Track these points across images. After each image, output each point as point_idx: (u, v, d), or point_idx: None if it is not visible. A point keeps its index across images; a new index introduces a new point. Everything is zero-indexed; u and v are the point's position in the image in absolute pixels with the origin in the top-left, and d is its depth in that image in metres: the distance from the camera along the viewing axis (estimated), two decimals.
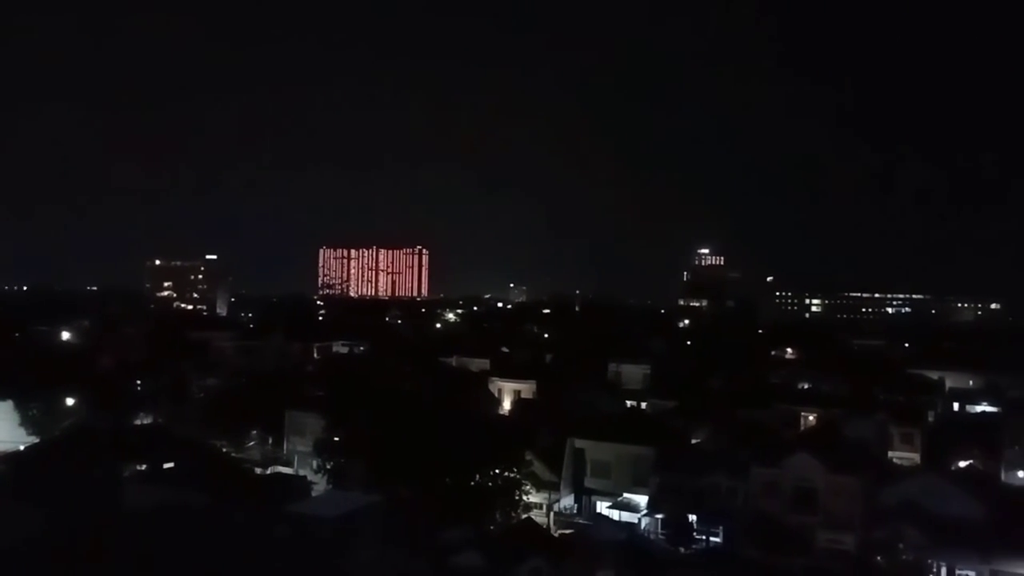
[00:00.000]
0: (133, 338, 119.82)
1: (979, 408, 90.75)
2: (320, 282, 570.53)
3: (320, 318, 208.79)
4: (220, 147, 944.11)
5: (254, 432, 69.69)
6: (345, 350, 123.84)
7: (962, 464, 68.15)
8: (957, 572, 48.10)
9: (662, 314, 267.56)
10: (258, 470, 63.28)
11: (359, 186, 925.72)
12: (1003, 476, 65.77)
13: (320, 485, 55.51)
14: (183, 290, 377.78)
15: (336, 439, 58.82)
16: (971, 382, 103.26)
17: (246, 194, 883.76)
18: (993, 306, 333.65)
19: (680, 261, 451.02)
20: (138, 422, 72.67)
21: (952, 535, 48.36)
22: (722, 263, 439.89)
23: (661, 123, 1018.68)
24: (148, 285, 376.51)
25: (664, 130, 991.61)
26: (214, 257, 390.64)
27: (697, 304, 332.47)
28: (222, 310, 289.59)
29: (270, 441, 69.97)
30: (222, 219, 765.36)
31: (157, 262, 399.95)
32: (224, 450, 64.52)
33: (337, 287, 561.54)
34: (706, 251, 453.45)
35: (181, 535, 33.53)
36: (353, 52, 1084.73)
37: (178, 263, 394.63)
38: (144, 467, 52.55)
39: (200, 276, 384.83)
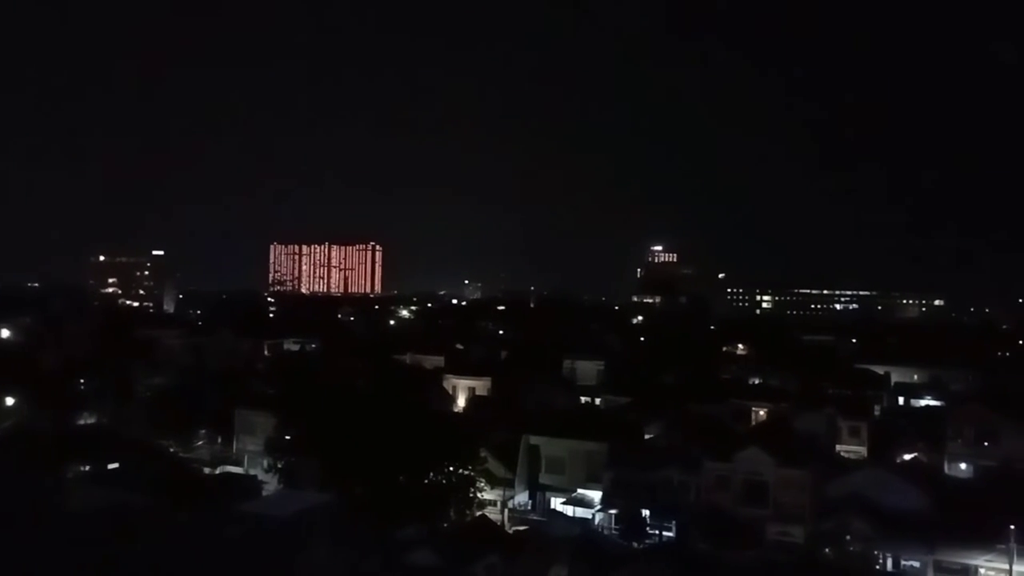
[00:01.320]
0: (76, 336, 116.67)
1: (923, 402, 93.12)
2: (271, 279, 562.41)
3: (271, 315, 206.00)
4: (166, 140, 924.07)
5: (202, 431, 68.40)
6: (297, 348, 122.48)
7: (907, 456, 69.79)
8: (902, 562, 49.17)
9: (616, 310, 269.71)
10: (207, 470, 62.30)
11: (311, 182, 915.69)
12: (946, 468, 67.43)
13: (271, 485, 54.65)
14: (129, 286, 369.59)
15: (288, 438, 58.01)
16: (916, 376, 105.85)
17: (194, 189, 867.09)
18: (936, 302, 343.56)
19: (634, 258, 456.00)
20: (81, 422, 70.84)
21: (897, 526, 49.42)
22: (675, 260, 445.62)
23: (614, 121, 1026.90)
24: (92, 282, 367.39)
25: (618, 128, 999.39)
26: (161, 253, 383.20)
27: (651, 300, 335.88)
28: (169, 307, 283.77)
29: (219, 440, 68.77)
30: (169, 214, 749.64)
31: (101, 258, 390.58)
32: (171, 450, 63.25)
33: (288, 284, 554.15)
34: (659, 248, 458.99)
35: (126, 538, 32.59)
36: (300, 43, 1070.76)
37: (123, 259, 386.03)
38: (87, 468, 51.33)
39: (146, 272, 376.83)
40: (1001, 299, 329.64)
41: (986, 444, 67.45)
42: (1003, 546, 45.58)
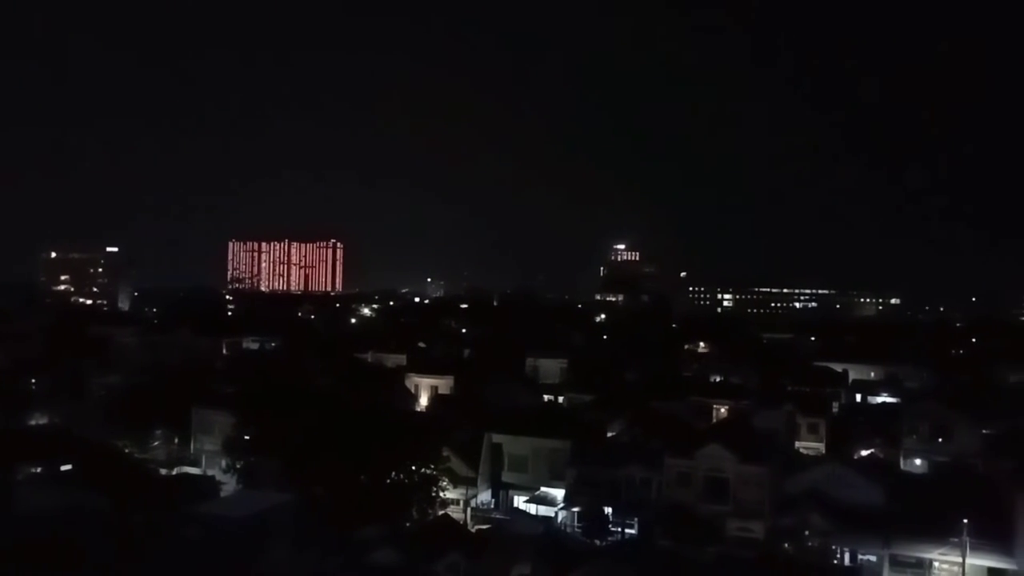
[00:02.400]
0: (27, 334, 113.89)
1: (880, 399, 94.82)
2: (229, 276, 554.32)
3: (229, 313, 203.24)
4: (121, 134, 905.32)
5: (159, 431, 67.08)
6: (256, 346, 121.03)
7: (864, 452, 71.01)
8: (859, 557, 49.91)
9: (579, 308, 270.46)
10: (163, 471, 61.33)
11: (270, 178, 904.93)
12: (902, 463, 68.70)
13: (230, 485, 54.07)
14: (82, 284, 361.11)
15: (247, 437, 57.24)
16: (872, 374, 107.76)
17: (150, 184, 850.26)
18: (893, 301, 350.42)
19: (597, 256, 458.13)
20: (33, 422, 69.14)
21: (855, 521, 50.17)
22: (638, 259, 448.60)
23: (578, 121, 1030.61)
24: (43, 279, 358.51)
25: (582, 128, 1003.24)
26: (115, 249, 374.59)
27: (613, 299, 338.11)
28: (124, 304, 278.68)
29: (176, 441, 67.57)
30: (124, 210, 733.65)
31: (53, 254, 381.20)
32: (127, 451, 61.99)
33: (247, 282, 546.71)
34: (622, 247, 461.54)
35: (80, 540, 31.83)
36: (259, 35, 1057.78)
37: (76, 255, 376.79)
38: (39, 469, 50.09)
39: (100, 269, 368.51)
40: (955, 298, 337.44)
41: (940, 440, 68.83)
42: (956, 540, 46.48)
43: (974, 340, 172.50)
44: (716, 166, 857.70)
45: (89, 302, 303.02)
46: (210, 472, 60.12)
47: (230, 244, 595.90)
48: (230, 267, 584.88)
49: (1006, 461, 58.07)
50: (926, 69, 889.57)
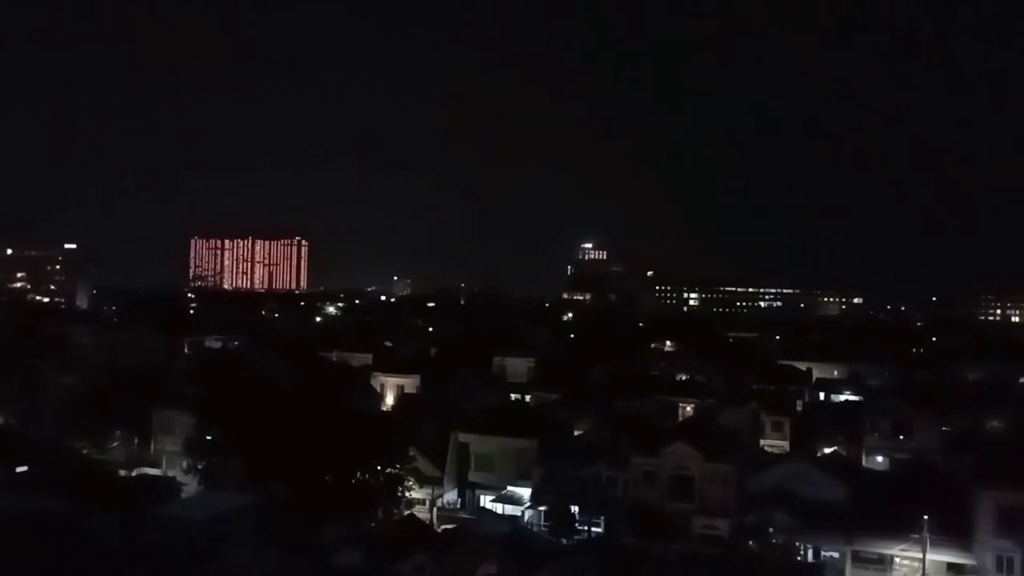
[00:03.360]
0: None
1: (843, 397, 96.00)
2: (191, 274, 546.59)
3: (191, 312, 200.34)
4: (81, 129, 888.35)
5: (118, 432, 65.80)
6: (218, 345, 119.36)
7: (827, 450, 71.85)
8: (822, 553, 50.47)
9: (547, 307, 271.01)
10: (122, 472, 60.07)
11: (234, 174, 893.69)
12: (864, 461, 69.63)
13: (191, 486, 53.21)
14: (38, 282, 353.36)
15: (208, 438, 56.36)
16: (836, 372, 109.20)
17: (110, 179, 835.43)
18: (856, 301, 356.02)
19: (565, 255, 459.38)
20: None
21: (818, 518, 50.73)
22: (605, 258, 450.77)
23: (546, 118, 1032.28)
24: None
25: (550, 126, 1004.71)
26: (74, 247, 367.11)
27: (581, 297, 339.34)
28: (82, 303, 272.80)
29: (136, 441, 66.37)
30: (82, 206, 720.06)
31: (8, 251, 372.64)
32: (84, 452, 60.68)
33: (210, 279, 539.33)
34: (589, 246, 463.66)
35: (35, 545, 30.99)
36: (220, 29, 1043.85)
37: (33, 253, 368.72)
38: None
39: (58, 267, 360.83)
40: (916, 298, 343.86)
41: (901, 437, 69.93)
42: (916, 536, 47.22)
43: (934, 339, 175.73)
44: (684, 167, 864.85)
45: (46, 300, 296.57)
46: (171, 473, 59.22)
47: (192, 241, 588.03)
48: (192, 265, 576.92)
49: (965, 458, 59.10)
50: (884, 71, 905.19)
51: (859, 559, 49.81)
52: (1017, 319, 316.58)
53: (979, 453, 58.10)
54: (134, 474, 60.23)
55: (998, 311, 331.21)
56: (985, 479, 49.72)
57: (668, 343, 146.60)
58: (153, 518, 36.78)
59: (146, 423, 66.43)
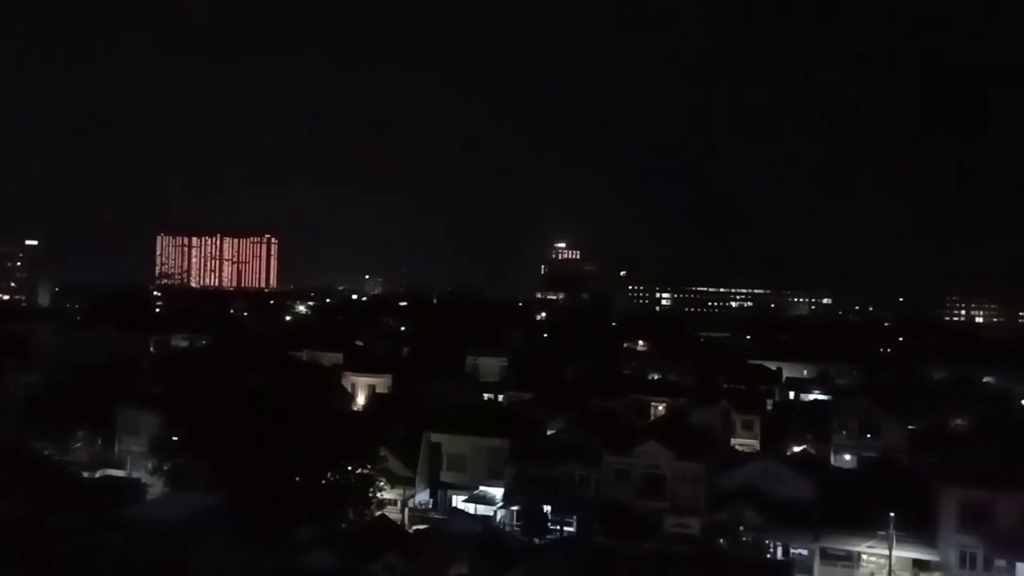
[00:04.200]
0: None
1: (812, 396, 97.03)
2: (157, 271, 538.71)
3: (157, 310, 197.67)
4: (44, 122, 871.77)
5: (81, 432, 64.61)
6: (185, 344, 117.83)
7: (797, 448, 72.51)
8: (791, 551, 50.91)
9: (520, 306, 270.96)
10: (85, 473, 58.99)
11: (201, 171, 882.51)
12: (832, 459, 70.37)
13: (157, 488, 52.39)
14: None
15: (175, 438, 55.53)
16: (805, 372, 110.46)
17: (73, 173, 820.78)
18: (825, 301, 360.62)
19: (538, 255, 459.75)
20: None
21: (787, 516, 51.19)
22: (578, 257, 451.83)
23: (518, 118, 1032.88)
24: None
25: (521, 125, 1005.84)
26: (35, 243, 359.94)
27: (554, 297, 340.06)
28: (44, 300, 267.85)
29: (99, 442, 65.24)
30: (45, 201, 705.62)
31: None
32: (46, 453, 59.44)
33: (176, 277, 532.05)
34: (563, 245, 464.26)
35: None
36: (190, 23, 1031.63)
37: None
38: None
39: (19, 263, 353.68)
40: (883, 298, 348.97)
41: (868, 436, 70.81)
42: (883, 533, 47.78)
43: (901, 339, 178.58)
44: (655, 167, 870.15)
45: (6, 298, 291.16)
46: (136, 474, 58.39)
47: (158, 238, 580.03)
48: (158, 262, 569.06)
49: (930, 456, 59.98)
50: (848, 70, 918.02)
51: (827, 556, 50.33)
52: (981, 320, 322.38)
53: (943, 451, 59.02)
54: (97, 475, 59.31)
55: (963, 312, 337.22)
56: (949, 477, 50.48)
57: (641, 343, 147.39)
58: (117, 520, 36.08)
59: (110, 423, 65.32)
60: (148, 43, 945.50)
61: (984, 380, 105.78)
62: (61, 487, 46.36)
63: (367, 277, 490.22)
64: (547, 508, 55.31)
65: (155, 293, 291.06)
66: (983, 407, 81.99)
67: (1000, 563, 47.51)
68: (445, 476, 62.12)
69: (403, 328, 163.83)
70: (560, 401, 76.74)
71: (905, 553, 48.47)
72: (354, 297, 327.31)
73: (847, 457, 70.60)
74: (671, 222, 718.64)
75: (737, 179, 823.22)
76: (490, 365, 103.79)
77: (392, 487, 56.63)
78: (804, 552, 50.66)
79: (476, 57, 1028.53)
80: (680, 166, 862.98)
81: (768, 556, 49.88)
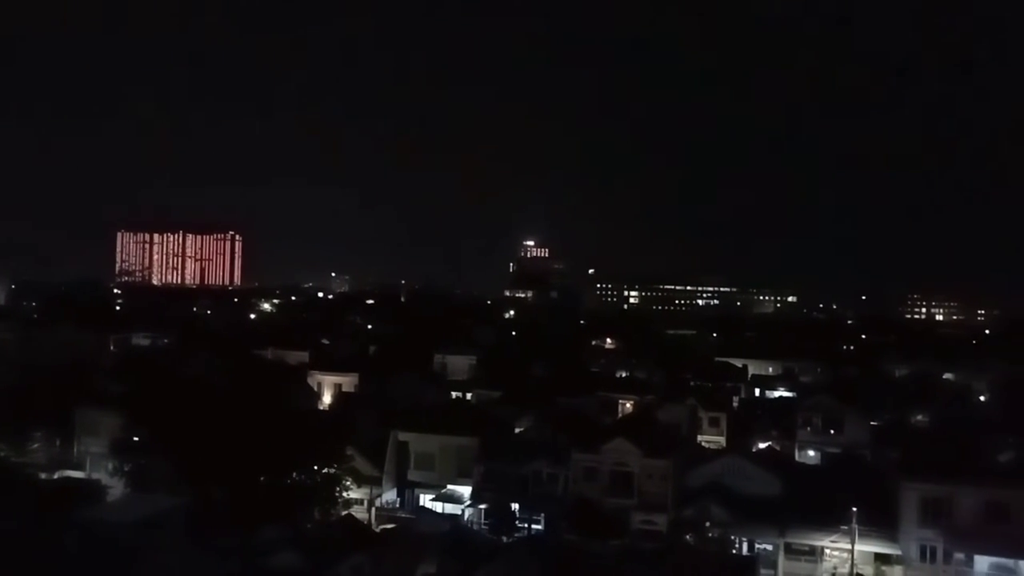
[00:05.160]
0: None
1: (777, 393, 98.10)
2: (118, 269, 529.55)
3: (117, 308, 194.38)
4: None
5: (38, 433, 63.19)
6: (147, 342, 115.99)
7: (762, 445, 73.24)
8: (756, 546, 51.36)
9: (488, 305, 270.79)
10: (43, 475, 57.66)
11: (163, 166, 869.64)
12: (797, 455, 71.21)
13: (118, 489, 51.47)
14: None
15: (136, 438, 54.63)
16: (770, 369, 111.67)
17: (30, 170, 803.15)
18: (790, 299, 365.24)
19: (507, 253, 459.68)
20: None
21: (752, 512, 51.63)
22: (547, 255, 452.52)
23: (486, 116, 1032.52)
24: None
25: (488, 122, 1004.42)
26: None
27: (523, 295, 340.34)
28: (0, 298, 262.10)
29: (58, 443, 63.88)
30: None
31: None
32: (2, 454, 58.13)
33: (137, 274, 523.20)
34: (531, 243, 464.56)
35: None
36: (156, 16, 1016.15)
37: None
38: None
39: None
40: (847, 296, 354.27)
41: (832, 432, 71.79)
42: (846, 527, 48.42)
43: (863, 336, 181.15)
44: (624, 166, 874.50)
45: None
46: (96, 476, 57.37)
47: (119, 235, 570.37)
48: (119, 259, 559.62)
49: (892, 451, 60.98)
50: (814, 70, 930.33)
51: (792, 551, 50.89)
52: (941, 317, 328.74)
53: (905, 447, 60.06)
54: (56, 477, 58.06)
55: (923, 310, 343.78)
56: (910, 472, 51.35)
57: (609, 340, 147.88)
58: (76, 522, 35.40)
59: (69, 424, 63.94)
60: (106, 36, 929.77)
61: (944, 377, 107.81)
62: (17, 488, 45.35)
63: (334, 275, 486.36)
64: (515, 506, 55.20)
65: (115, 291, 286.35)
66: (943, 403, 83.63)
67: (959, 556, 48.40)
68: (413, 475, 61.76)
69: (370, 326, 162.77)
70: (529, 399, 76.70)
71: (867, 547, 49.16)
72: (321, 295, 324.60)
73: (811, 453, 71.48)
74: (639, 221, 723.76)
75: (704, 178, 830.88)
76: (458, 363, 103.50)
77: (359, 486, 56.19)
78: (769, 547, 51.14)
79: (444, 52, 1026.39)
80: (648, 165, 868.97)
81: (734, 551, 50.20)
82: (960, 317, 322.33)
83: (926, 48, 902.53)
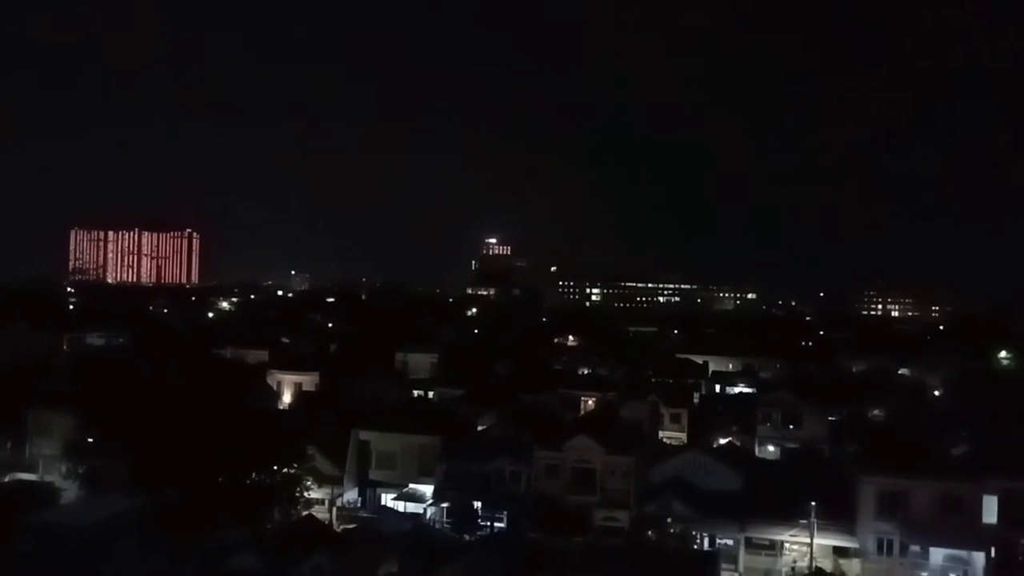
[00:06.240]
0: None
1: (737, 389, 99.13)
2: (71, 267, 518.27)
3: (71, 307, 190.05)
4: None
5: None
6: (102, 342, 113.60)
7: (723, 440, 73.96)
8: (718, 541, 51.86)
9: (450, 302, 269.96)
10: None
11: (118, 161, 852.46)
12: (756, 450, 72.02)
13: (72, 492, 50.56)
14: None
15: (91, 440, 53.49)
16: (730, 365, 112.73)
17: None
18: (750, 296, 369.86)
19: (469, 250, 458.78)
20: None
21: (714, 507, 52.12)
22: (509, 253, 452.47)
23: (447, 114, 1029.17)
24: None
25: (450, 119, 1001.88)
26: None
27: (485, 292, 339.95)
28: None
29: (8, 445, 62.34)
30: None
31: None
32: None
33: (92, 273, 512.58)
34: (494, 241, 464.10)
35: None
36: (112, 8, 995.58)
37: None
38: None
39: None
40: (805, 293, 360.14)
41: (791, 427, 72.76)
42: (805, 521, 49.10)
43: (821, 332, 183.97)
44: (585, 164, 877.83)
45: None
46: (48, 478, 56.24)
47: (72, 232, 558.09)
48: (72, 257, 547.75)
49: (849, 446, 61.95)
50: (775, 69, 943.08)
51: (752, 545, 51.47)
52: (897, 313, 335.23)
53: (862, 441, 61.02)
54: (7, 479, 56.67)
55: (880, 306, 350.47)
56: (867, 466, 52.21)
57: (571, 338, 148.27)
58: (29, 526, 34.54)
59: (20, 425, 62.42)
60: (52, 32, 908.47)
61: (900, 372, 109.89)
62: None
63: (294, 273, 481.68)
64: (477, 504, 55.03)
65: (69, 289, 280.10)
66: (899, 398, 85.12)
67: (915, 548, 49.35)
68: (374, 474, 61.29)
69: (331, 325, 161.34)
70: (491, 397, 76.57)
71: (826, 540, 49.87)
72: (280, 293, 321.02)
73: (771, 448, 72.36)
74: (601, 218, 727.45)
75: (665, 177, 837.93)
76: (420, 361, 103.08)
77: (320, 486, 55.63)
78: (730, 542, 51.66)
79: (403, 54, 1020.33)
80: (610, 164, 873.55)
81: (695, 547, 50.63)
82: (915, 313, 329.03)
83: (873, 48, 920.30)
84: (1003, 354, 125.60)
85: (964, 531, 48.17)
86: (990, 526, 48.42)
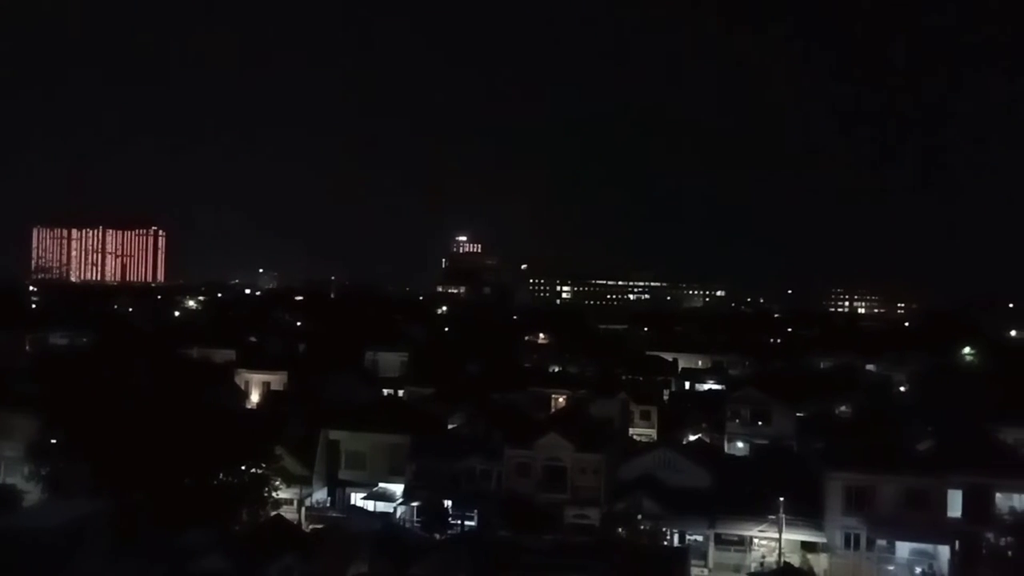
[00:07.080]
0: None
1: (706, 386, 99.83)
2: (34, 265, 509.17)
3: (33, 306, 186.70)
4: None
5: None
6: (65, 342, 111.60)
7: (692, 437, 74.45)
8: (687, 537, 52.19)
9: (420, 301, 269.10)
10: None
11: (83, 159, 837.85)
12: (726, 447, 72.61)
13: (35, 495, 49.79)
14: None
15: (54, 441, 52.51)
16: (700, 362, 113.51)
17: None
18: (719, 293, 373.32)
19: (439, 248, 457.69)
20: None
21: (683, 504, 52.43)
22: (479, 251, 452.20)
23: (417, 110, 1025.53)
24: None
25: (420, 118, 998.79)
26: None
27: (455, 291, 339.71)
28: None
29: None
30: None
31: None
32: None
33: (55, 271, 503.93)
34: (464, 239, 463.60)
35: None
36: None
37: None
38: None
39: None
40: (773, 290, 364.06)
41: (760, 424, 73.44)
42: (773, 517, 49.57)
43: (789, 329, 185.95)
44: (555, 161, 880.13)
45: None
46: (11, 481, 55.14)
47: (35, 230, 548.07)
48: (34, 255, 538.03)
49: (817, 442, 62.66)
50: (751, 66, 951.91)
51: (721, 541, 51.88)
52: (863, 310, 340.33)
53: (829, 437, 61.77)
54: None
55: (846, 303, 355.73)
56: (834, 462, 52.87)
57: (541, 335, 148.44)
58: None
59: None
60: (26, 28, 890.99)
61: (866, 368, 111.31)
62: None
63: (261, 271, 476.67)
64: (448, 503, 54.84)
65: (31, 288, 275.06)
66: (865, 395, 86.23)
67: (881, 542, 50.04)
68: (344, 474, 60.86)
69: (299, 324, 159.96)
70: (461, 395, 76.23)
71: (794, 536, 50.42)
72: (248, 292, 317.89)
73: (740, 445, 72.98)
74: (571, 216, 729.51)
75: (634, 175, 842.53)
76: (390, 360, 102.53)
77: (288, 486, 55.12)
78: (700, 538, 52.00)
79: (366, 53, 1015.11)
80: (580, 162, 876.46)
81: (665, 543, 50.91)
82: (881, 310, 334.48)
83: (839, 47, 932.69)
84: (967, 350, 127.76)
85: (929, 525, 48.93)
86: (955, 520, 49.27)
